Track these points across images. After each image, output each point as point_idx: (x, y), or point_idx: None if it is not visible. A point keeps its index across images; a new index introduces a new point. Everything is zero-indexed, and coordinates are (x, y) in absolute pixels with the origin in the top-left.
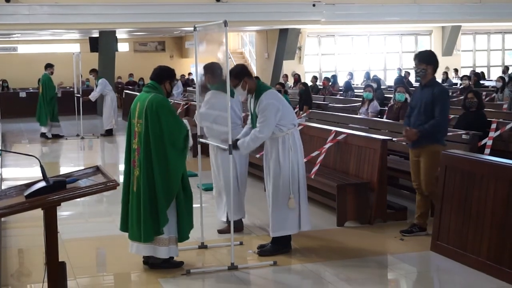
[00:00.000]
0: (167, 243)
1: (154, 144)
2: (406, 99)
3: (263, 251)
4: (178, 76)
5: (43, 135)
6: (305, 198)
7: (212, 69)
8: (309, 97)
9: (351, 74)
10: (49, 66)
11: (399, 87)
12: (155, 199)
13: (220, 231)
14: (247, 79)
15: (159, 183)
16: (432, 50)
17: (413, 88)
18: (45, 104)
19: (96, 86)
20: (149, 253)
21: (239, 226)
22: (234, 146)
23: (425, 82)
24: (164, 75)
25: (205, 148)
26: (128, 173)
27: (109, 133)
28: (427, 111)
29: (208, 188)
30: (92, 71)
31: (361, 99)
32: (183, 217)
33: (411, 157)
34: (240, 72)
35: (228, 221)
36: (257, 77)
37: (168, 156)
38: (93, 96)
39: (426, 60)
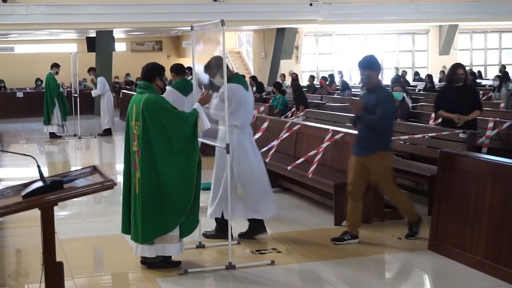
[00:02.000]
0: (177, 240)
1: (157, 146)
2: (403, 97)
3: (243, 235)
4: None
5: (52, 135)
6: (247, 190)
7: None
8: (301, 96)
9: (341, 73)
10: (55, 65)
11: (396, 86)
12: (160, 201)
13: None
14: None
15: (169, 186)
16: (430, 48)
17: (410, 87)
18: (49, 103)
19: (95, 84)
20: (154, 253)
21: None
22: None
23: (370, 87)
24: (152, 73)
25: (205, 148)
26: (128, 175)
27: (107, 132)
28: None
29: (206, 188)
30: (91, 69)
31: (358, 98)
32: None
33: (352, 161)
34: (221, 63)
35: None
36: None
37: (176, 152)
38: (94, 92)
39: (369, 66)
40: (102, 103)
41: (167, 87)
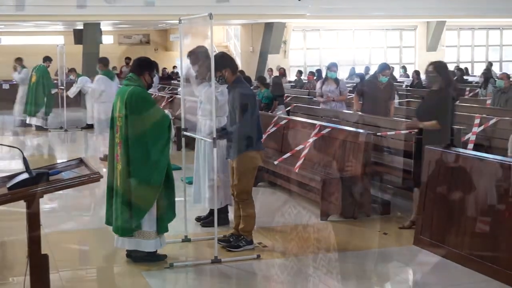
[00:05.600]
0: (154, 236)
1: (134, 137)
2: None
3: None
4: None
5: (39, 127)
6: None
7: (196, 54)
8: (278, 88)
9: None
10: (48, 59)
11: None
12: (133, 194)
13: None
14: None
15: (139, 178)
16: (417, 45)
17: (397, 83)
18: (38, 95)
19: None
20: (133, 247)
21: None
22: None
23: (229, 84)
24: (143, 67)
25: (189, 141)
26: (112, 167)
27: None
28: (235, 114)
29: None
30: (71, 70)
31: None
32: (162, 210)
33: (229, 163)
34: (207, 54)
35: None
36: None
37: (151, 149)
38: (70, 92)
39: (218, 66)
40: (87, 100)
41: (99, 75)
